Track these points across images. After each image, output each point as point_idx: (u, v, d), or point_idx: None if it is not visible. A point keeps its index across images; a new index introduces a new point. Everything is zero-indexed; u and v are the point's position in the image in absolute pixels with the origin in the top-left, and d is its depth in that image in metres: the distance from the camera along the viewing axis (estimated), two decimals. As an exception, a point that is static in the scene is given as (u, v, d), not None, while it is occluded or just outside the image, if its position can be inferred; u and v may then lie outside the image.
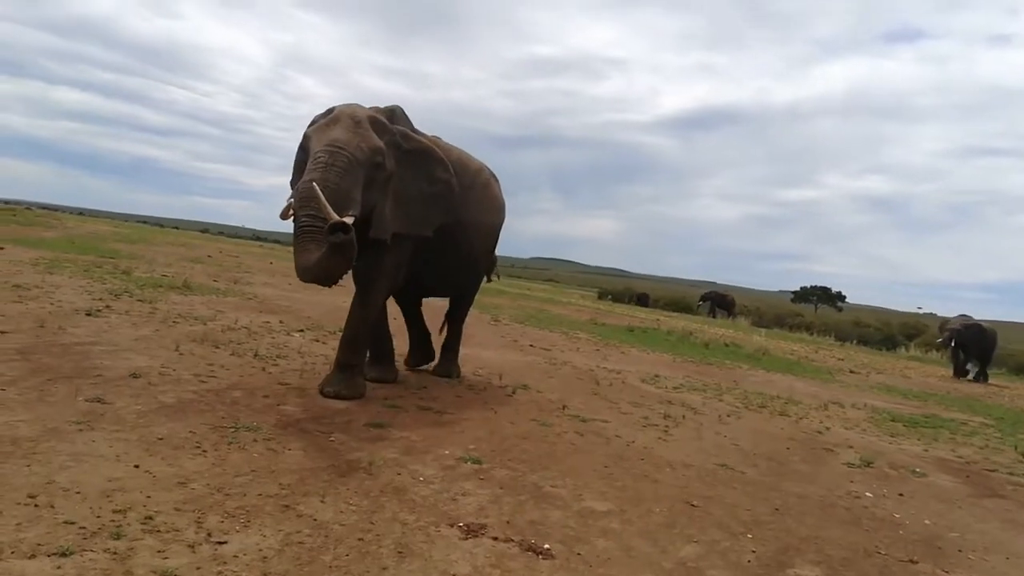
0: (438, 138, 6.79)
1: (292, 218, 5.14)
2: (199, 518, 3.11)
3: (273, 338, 7.85)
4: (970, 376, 19.79)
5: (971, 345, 19.55)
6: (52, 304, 7.67)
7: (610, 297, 43.45)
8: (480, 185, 7.04)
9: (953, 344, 19.66)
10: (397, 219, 5.88)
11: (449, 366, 7.51)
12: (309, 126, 5.74)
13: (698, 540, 3.87)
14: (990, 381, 19.62)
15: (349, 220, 4.93)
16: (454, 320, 7.77)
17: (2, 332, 5.99)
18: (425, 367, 7.71)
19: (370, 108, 5.91)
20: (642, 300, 41.85)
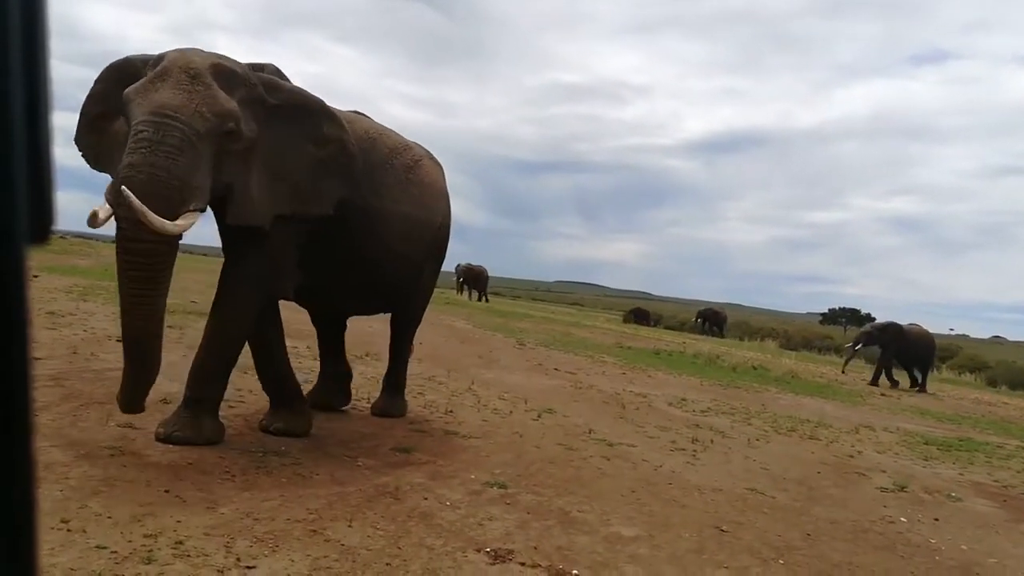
0: (363, 115, 5.70)
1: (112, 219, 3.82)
2: (228, 543, 3.13)
3: (300, 363, 7.89)
4: (914, 385, 17.79)
5: (890, 348, 17.51)
6: (85, 331, 7.80)
7: (635, 321, 43.29)
8: (403, 166, 5.57)
9: (859, 347, 18.30)
10: (277, 198, 4.55)
11: (390, 403, 6.22)
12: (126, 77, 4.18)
13: (728, 566, 3.81)
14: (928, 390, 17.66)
15: (187, 221, 3.90)
16: (394, 347, 6.42)
17: (36, 359, 6.11)
18: (339, 407, 6.26)
19: (216, 55, 4.35)
20: (640, 316, 42.19)
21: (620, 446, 6.30)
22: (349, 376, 6.36)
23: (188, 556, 2.95)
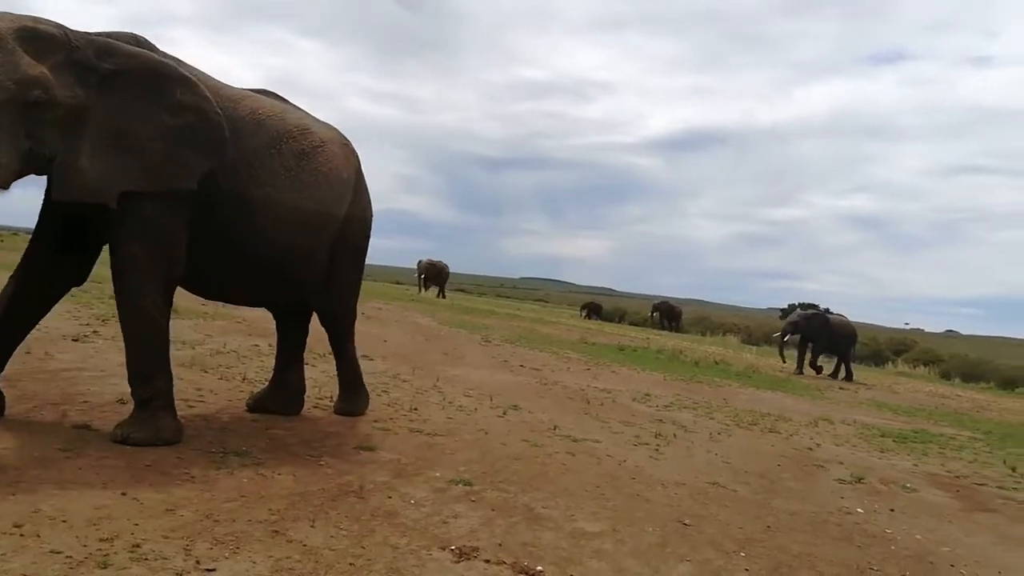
0: (271, 95, 5.41)
1: None
2: (187, 545, 3.07)
3: (262, 361, 7.80)
4: (835, 373, 18.07)
5: (814, 337, 17.88)
6: (38, 330, 7.59)
7: (598, 317, 43.65)
8: (294, 152, 5.05)
9: (787, 338, 18.59)
10: (121, 171, 4.20)
11: (350, 401, 6.03)
12: None
13: (691, 559, 3.86)
14: (855, 379, 18.01)
15: None
16: (332, 345, 6.10)
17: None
18: (286, 414, 5.74)
19: (29, 17, 3.99)
20: (593, 310, 42.81)
21: (585, 442, 6.33)
22: (301, 387, 5.93)
23: (146, 559, 2.89)
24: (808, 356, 18.18)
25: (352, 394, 6.08)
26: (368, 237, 6.05)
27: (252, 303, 6.01)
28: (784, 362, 18.71)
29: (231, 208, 4.68)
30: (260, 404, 5.66)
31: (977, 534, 5.20)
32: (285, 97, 5.60)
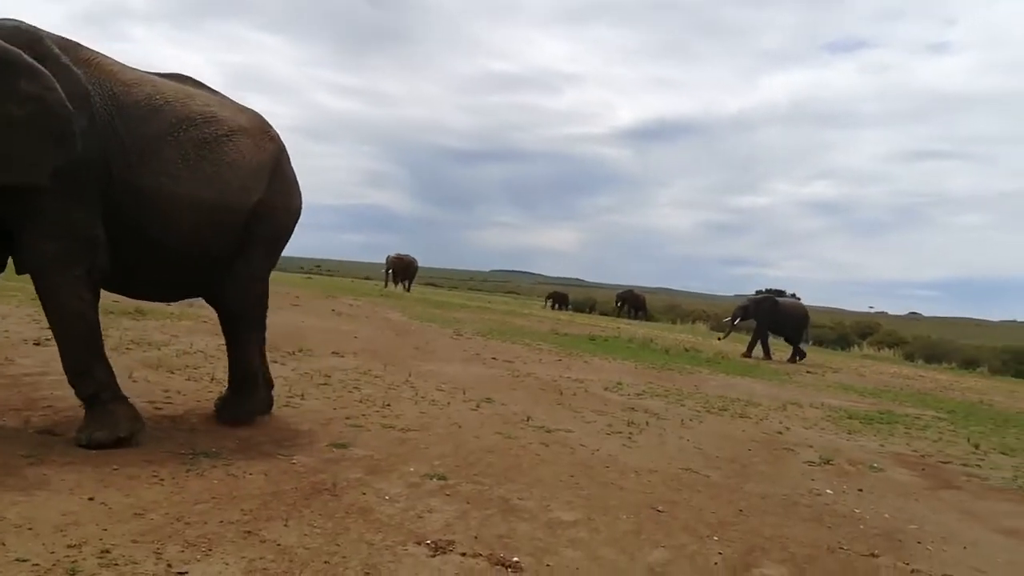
0: (186, 79, 5.20)
1: None
2: (158, 549, 3.03)
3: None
4: (792, 357, 18.25)
5: (766, 320, 18.13)
6: (-2, 335, 7.42)
7: (570, 308, 43.86)
8: (194, 140, 4.78)
9: (738, 321, 18.86)
10: None
11: (233, 406, 5.36)
12: None
13: (665, 545, 3.89)
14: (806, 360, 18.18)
15: None
16: (231, 338, 5.52)
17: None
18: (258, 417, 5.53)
19: None
20: (559, 300, 43.15)
21: (558, 432, 6.36)
22: (267, 385, 5.74)
23: (116, 565, 2.84)
24: (757, 338, 18.39)
25: (236, 396, 5.40)
26: (287, 227, 5.66)
27: (163, 298, 5.64)
28: (720, 340, 18.81)
29: (128, 199, 4.49)
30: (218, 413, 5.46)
31: (943, 511, 5.32)
32: (204, 83, 5.33)
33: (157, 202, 4.60)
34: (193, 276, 5.16)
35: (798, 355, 18.28)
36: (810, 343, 19.56)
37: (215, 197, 4.89)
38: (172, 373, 6.67)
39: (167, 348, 7.90)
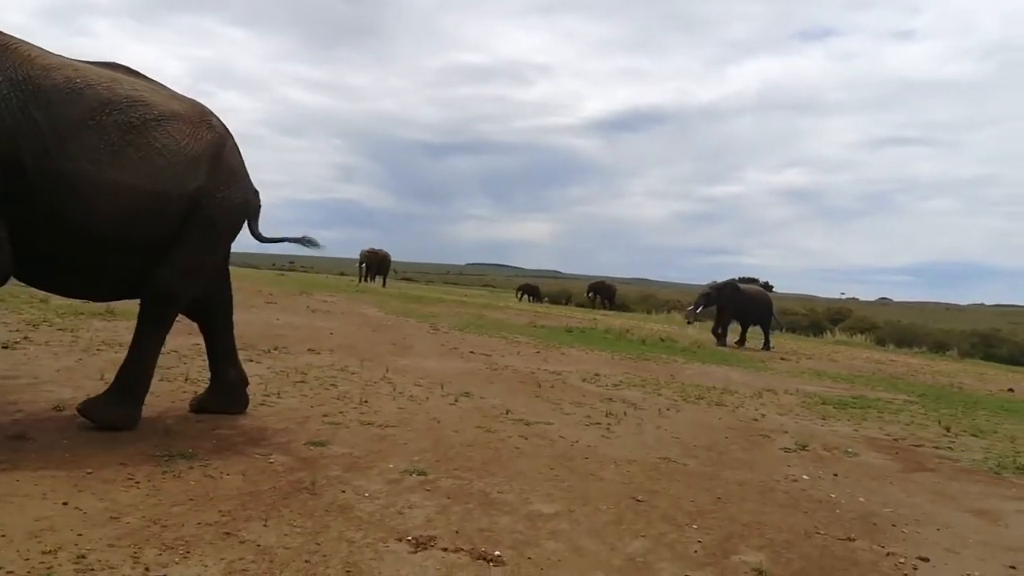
0: (116, 67, 4.99)
1: None
2: (135, 553, 2.99)
3: (204, 361, 7.61)
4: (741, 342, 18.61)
5: (728, 307, 18.24)
6: (-36, 339, 7.27)
7: (547, 299, 44.04)
8: (119, 125, 4.55)
9: (700, 309, 19.01)
10: None
11: (102, 405, 4.83)
12: None
13: (645, 534, 3.92)
14: (773, 348, 18.38)
15: None
16: (136, 330, 5.14)
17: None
18: (232, 413, 5.59)
19: None
20: (530, 292, 43.44)
21: (537, 424, 6.37)
22: (240, 381, 5.68)
23: (92, 570, 2.80)
24: (720, 325, 18.59)
25: (110, 396, 4.93)
26: (231, 217, 5.27)
27: (94, 293, 5.23)
28: (717, 341, 19.02)
29: (47, 186, 4.29)
30: (202, 405, 5.53)
31: (916, 493, 5.41)
32: (141, 72, 5.12)
33: (78, 188, 4.38)
34: (122, 267, 4.84)
35: (764, 342, 18.58)
36: (782, 329, 19.77)
37: (143, 183, 4.64)
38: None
39: (140, 349, 7.78)
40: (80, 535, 3.10)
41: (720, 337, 18.37)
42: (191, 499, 3.67)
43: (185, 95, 5.28)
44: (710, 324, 19.68)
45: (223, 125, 5.32)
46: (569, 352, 13.05)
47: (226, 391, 5.63)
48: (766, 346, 18.47)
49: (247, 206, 5.48)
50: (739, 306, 18.38)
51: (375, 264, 33.05)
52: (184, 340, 8.67)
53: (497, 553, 3.42)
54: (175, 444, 4.56)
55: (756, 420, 7.83)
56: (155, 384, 6.21)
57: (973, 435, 8.19)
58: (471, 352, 11.29)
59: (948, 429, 8.31)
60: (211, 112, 5.28)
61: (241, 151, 5.53)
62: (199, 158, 4.95)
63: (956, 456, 6.89)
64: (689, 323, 19.92)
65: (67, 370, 6.39)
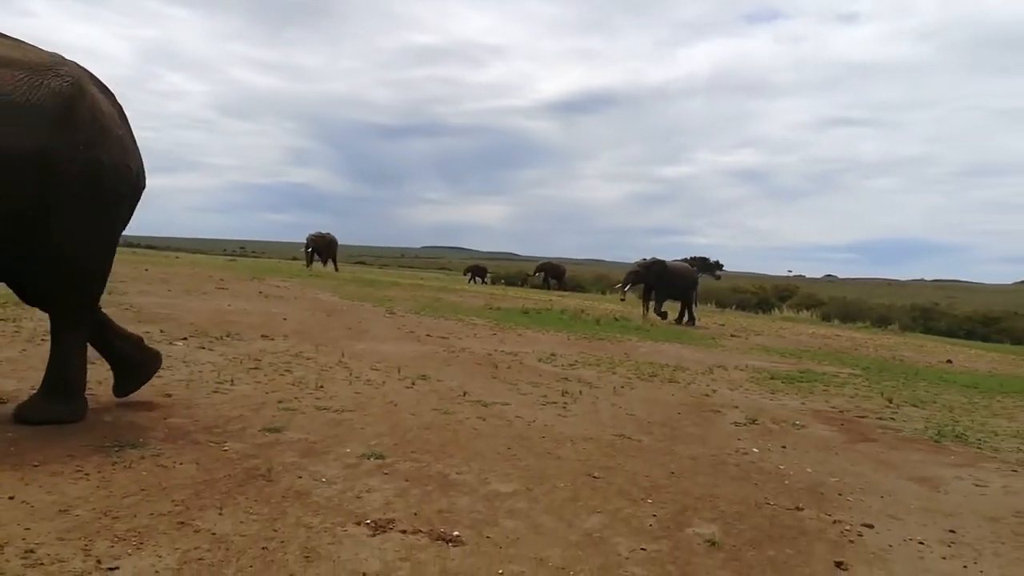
0: None
1: None
2: (86, 545, 2.94)
3: (155, 348, 7.45)
4: (679, 319, 19.21)
5: (655, 284, 18.82)
6: None
7: (503, 281, 44.10)
8: None
9: (629, 287, 19.66)
10: None
11: (35, 406, 4.58)
12: None
13: (602, 510, 3.99)
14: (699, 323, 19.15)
15: None
16: (52, 332, 4.81)
17: None
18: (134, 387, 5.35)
19: None
20: (477, 272, 43.74)
21: (494, 405, 6.41)
22: (137, 346, 5.37)
23: (42, 564, 2.74)
24: (648, 301, 19.16)
25: (41, 396, 4.65)
26: (103, 182, 4.53)
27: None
28: (644, 315, 19.36)
29: None
30: (121, 388, 5.30)
31: (860, 463, 5.60)
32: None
33: None
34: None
35: (689, 317, 19.07)
36: (696, 306, 20.28)
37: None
38: (92, 363, 6.39)
39: (85, 338, 7.58)
40: (28, 529, 3.02)
41: (657, 312, 18.90)
42: (143, 489, 3.61)
43: (45, 48, 4.60)
44: (640, 299, 20.18)
45: (85, 76, 4.62)
46: (525, 333, 13.11)
47: (130, 365, 5.31)
48: (691, 321, 19.00)
49: (127, 173, 4.73)
50: (666, 283, 18.88)
51: (323, 247, 32.57)
52: (133, 328, 8.47)
53: (456, 533, 3.45)
54: (125, 434, 4.47)
55: (707, 396, 8.00)
56: (102, 373, 6.07)
57: (914, 405, 8.50)
58: (428, 335, 11.27)
59: (890, 400, 8.61)
60: (68, 62, 4.58)
61: (124, 110, 4.91)
62: (38, 111, 4.22)
63: (898, 426, 7.15)
64: (622, 300, 20.66)
65: (10, 361, 6.20)
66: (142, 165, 4.97)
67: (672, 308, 19.64)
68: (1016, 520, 4.46)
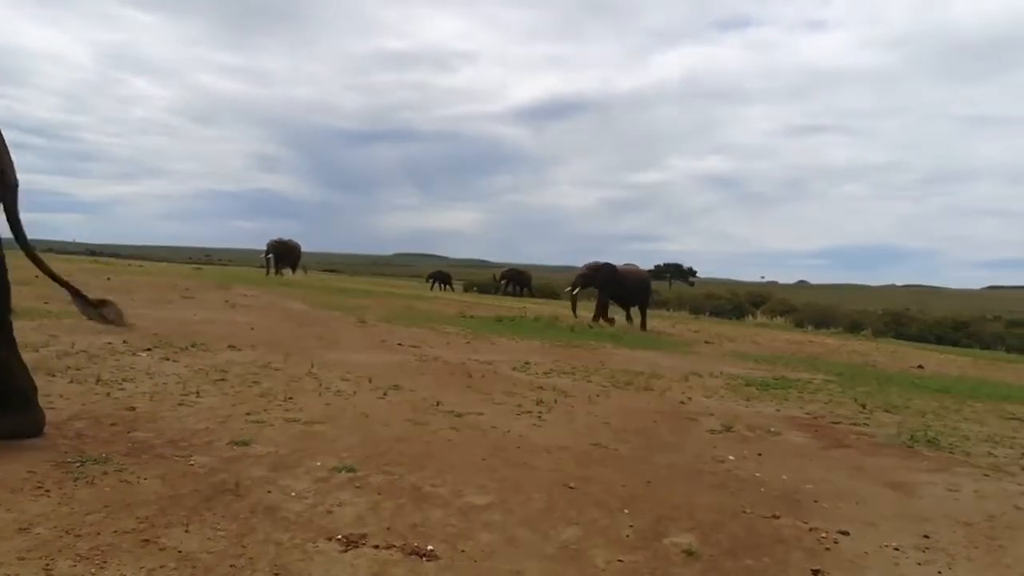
0: None
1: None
2: (47, 565, 2.82)
3: (117, 360, 7.29)
4: (631, 319, 19.53)
5: (605, 288, 19.02)
6: None
7: (476, 289, 44.01)
8: None
9: (577, 291, 19.75)
10: None
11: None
12: None
13: (578, 521, 3.94)
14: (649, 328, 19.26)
15: None
16: None
17: None
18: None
19: None
20: (441, 279, 43.62)
21: (468, 415, 6.34)
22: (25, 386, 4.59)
23: (-4, 588, 2.63)
24: (600, 306, 19.26)
25: (15, 411, 4.40)
26: None
27: None
28: (575, 316, 19.53)
29: None
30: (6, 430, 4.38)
31: (835, 469, 5.61)
32: None
33: None
34: None
35: (641, 324, 19.14)
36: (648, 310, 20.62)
37: None
38: (52, 376, 6.23)
39: (46, 349, 7.38)
40: (-18, 551, 2.90)
41: (605, 318, 18.93)
42: (106, 506, 3.49)
43: None
44: (593, 303, 20.30)
45: None
46: (499, 341, 13.05)
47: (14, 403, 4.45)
48: (643, 326, 19.05)
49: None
50: (616, 286, 18.92)
51: (285, 254, 31.63)
52: (95, 339, 8.28)
53: (430, 548, 3.37)
54: (87, 449, 4.33)
55: (683, 403, 7.99)
56: (63, 386, 5.91)
57: (887, 411, 8.57)
58: (400, 344, 11.16)
59: (864, 406, 8.68)
60: None
61: None
62: None
63: (872, 432, 7.19)
64: (576, 314, 20.80)
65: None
66: (11, 163, 4.68)
67: (622, 312, 19.77)
68: (988, 524, 4.49)
